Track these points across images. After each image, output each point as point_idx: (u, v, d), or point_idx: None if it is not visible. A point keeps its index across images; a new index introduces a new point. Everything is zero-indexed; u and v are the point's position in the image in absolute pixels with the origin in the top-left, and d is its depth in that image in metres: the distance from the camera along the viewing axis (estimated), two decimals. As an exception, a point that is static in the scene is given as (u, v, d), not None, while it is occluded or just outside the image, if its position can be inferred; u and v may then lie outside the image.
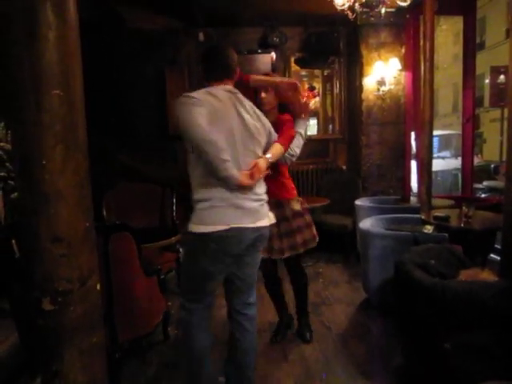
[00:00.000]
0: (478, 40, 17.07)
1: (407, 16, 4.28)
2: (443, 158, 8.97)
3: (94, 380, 1.02)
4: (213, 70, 1.78)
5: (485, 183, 7.31)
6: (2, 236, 2.21)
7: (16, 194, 2.37)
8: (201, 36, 4.66)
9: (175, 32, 4.62)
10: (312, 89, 5.24)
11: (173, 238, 3.04)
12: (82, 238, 0.96)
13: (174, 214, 3.67)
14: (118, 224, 1.87)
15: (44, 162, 0.89)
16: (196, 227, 1.64)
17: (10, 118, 0.91)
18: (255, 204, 1.68)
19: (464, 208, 2.92)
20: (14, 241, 2.26)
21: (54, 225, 0.91)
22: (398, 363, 2.20)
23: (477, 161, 9.51)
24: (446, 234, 2.61)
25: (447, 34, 16.87)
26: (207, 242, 1.62)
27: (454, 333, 1.55)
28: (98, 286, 1.03)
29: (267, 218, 1.76)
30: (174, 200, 3.78)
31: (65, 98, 0.91)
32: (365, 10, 2.48)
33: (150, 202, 3.78)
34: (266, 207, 1.77)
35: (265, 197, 1.77)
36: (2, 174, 2.24)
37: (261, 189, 1.75)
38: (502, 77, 9.04)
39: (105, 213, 3.46)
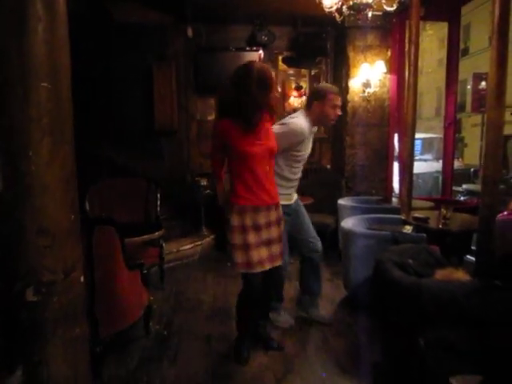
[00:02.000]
0: (462, 46, 17.46)
1: (394, 20, 4.36)
2: (425, 160, 9.15)
3: (77, 370, 1.03)
4: None
5: (464, 186, 7.49)
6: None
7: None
8: (189, 32, 4.65)
9: (164, 27, 4.60)
10: (299, 88, 5.30)
11: (156, 233, 3.04)
12: (67, 230, 0.97)
13: (158, 209, 3.67)
14: (101, 217, 1.86)
15: (30, 154, 0.89)
16: None
17: (-3, 109, 0.91)
18: None
19: (442, 210, 3.01)
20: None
21: (40, 217, 0.92)
22: (376, 359, 2.26)
23: (457, 164, 9.73)
24: (425, 235, 2.69)
25: (433, 38, 17.19)
26: None
27: (428, 329, 1.61)
28: (82, 278, 1.04)
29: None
30: (159, 195, 3.78)
31: (53, 91, 0.91)
32: (352, 12, 2.52)
33: (134, 197, 3.76)
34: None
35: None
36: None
37: None
38: (483, 83, 9.24)
39: (88, 207, 3.43)
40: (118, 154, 4.24)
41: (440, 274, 1.77)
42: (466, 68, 13.35)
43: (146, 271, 2.66)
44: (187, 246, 4.31)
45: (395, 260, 1.99)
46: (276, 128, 2.32)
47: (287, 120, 2.46)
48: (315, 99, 2.47)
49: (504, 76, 2.41)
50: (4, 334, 2.16)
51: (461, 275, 1.74)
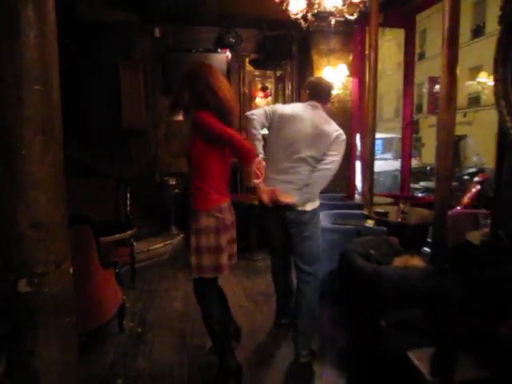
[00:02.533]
0: (418, 50, 18.33)
1: (355, 26, 4.58)
2: (385, 159, 9.58)
3: (67, 357, 1.09)
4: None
5: (421, 183, 7.95)
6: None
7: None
8: (157, 32, 4.66)
9: (131, 26, 4.58)
10: (265, 89, 5.44)
11: (128, 232, 3.06)
12: (59, 223, 1.03)
13: (128, 208, 3.68)
14: (77, 216, 1.89)
15: (23, 152, 0.95)
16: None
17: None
18: None
19: (401, 205, 3.24)
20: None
21: (33, 211, 0.98)
22: (343, 343, 2.43)
23: (415, 163, 10.26)
24: (385, 228, 2.89)
25: (392, 43, 17.92)
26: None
27: (388, 311, 1.77)
28: (71, 270, 1.10)
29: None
30: (128, 195, 3.79)
31: (44, 92, 0.97)
32: (317, 19, 2.67)
33: (103, 197, 3.75)
34: None
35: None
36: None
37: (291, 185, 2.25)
38: (437, 86, 9.81)
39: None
40: (85, 153, 4.18)
41: (398, 262, 1.95)
42: (422, 71, 14.04)
43: (117, 270, 2.68)
44: (157, 245, 4.32)
45: (359, 251, 2.16)
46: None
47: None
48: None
49: (454, 81, 2.64)
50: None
51: (416, 262, 1.92)
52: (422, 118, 17.56)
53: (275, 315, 2.78)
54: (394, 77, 19.47)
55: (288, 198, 2.13)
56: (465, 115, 15.29)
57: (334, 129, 2.26)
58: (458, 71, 2.65)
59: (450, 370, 1.37)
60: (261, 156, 2.20)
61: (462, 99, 15.85)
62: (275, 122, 2.28)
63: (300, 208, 2.21)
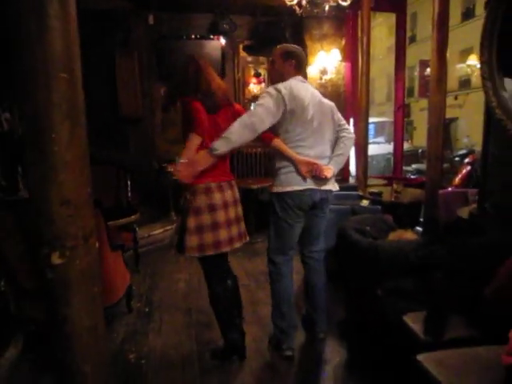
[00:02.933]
0: (409, 34, 18.32)
1: (347, 11, 4.64)
2: (378, 143, 9.71)
3: (96, 324, 1.19)
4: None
5: (413, 166, 8.11)
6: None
7: None
8: (151, 19, 4.68)
9: (125, 13, 4.58)
10: (258, 75, 5.48)
11: (132, 217, 3.16)
12: (85, 201, 1.13)
13: (129, 194, 3.76)
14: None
15: (53, 136, 1.04)
16: (277, 188, 2.09)
17: (22, 98, 1.04)
18: None
19: (394, 185, 3.37)
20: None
21: (63, 190, 1.07)
22: (341, 317, 2.57)
23: (407, 146, 10.41)
24: (379, 207, 3.02)
25: (382, 27, 17.89)
26: (285, 199, 2.06)
27: (384, 281, 1.90)
28: (97, 244, 1.20)
29: (331, 184, 2.17)
30: (129, 182, 3.87)
31: (70, 80, 1.05)
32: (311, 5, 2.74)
33: (104, 183, 3.81)
34: None
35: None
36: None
37: (324, 160, 2.12)
38: (428, 69, 9.90)
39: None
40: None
41: (392, 236, 2.07)
42: (413, 55, 14.08)
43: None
44: (158, 231, 4.43)
45: (355, 227, 2.28)
46: None
47: None
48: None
49: (444, 64, 2.75)
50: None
51: (409, 235, 2.05)
52: (414, 102, 17.67)
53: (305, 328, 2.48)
54: (386, 61, 19.46)
55: (327, 170, 2.05)
56: (456, 98, 15.42)
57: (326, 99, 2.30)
58: (448, 54, 2.75)
59: (440, 329, 1.51)
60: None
61: (452, 82, 15.97)
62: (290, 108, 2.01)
63: (331, 187, 2.16)
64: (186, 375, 2.09)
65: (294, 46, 2.21)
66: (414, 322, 1.63)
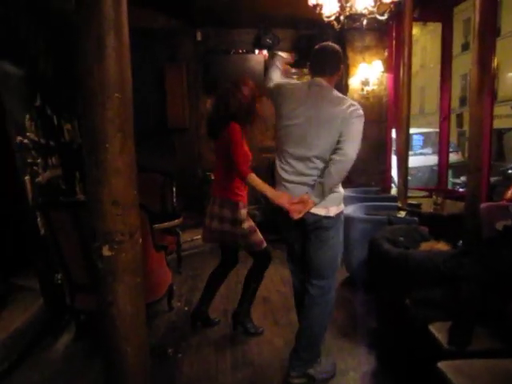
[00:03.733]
0: (463, 41, 17.64)
1: (390, 22, 4.65)
2: (425, 154, 9.44)
3: (138, 310, 1.36)
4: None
5: (462, 178, 7.78)
6: (31, 216, 2.52)
7: (40, 178, 2.67)
8: (198, 35, 4.97)
9: (174, 31, 4.91)
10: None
11: (176, 221, 3.37)
12: (132, 202, 1.30)
13: (175, 200, 4.00)
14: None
15: (107, 146, 1.22)
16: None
17: (82, 114, 1.23)
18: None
19: (434, 197, 3.32)
20: (39, 220, 2.57)
21: (113, 192, 1.24)
22: (372, 325, 2.59)
23: (457, 158, 10.01)
24: (416, 218, 3.00)
25: (434, 35, 17.38)
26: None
27: (413, 291, 1.92)
28: (140, 240, 1.36)
29: (322, 208, 1.85)
30: (174, 188, 4.11)
31: (122, 99, 1.24)
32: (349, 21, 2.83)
33: (151, 189, 4.09)
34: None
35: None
36: (29, 160, 2.53)
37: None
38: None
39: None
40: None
41: (424, 246, 2.09)
42: (467, 62, 13.56)
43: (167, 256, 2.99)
44: (200, 236, 4.61)
45: (388, 237, 2.31)
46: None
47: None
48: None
49: (485, 75, 2.71)
50: (51, 305, 2.49)
51: (441, 246, 2.05)
52: (467, 112, 16.88)
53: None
54: (437, 69, 18.85)
55: (308, 203, 1.80)
56: (512, 107, 14.59)
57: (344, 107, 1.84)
58: (495, 63, 2.70)
59: (464, 339, 1.52)
60: None
61: (509, 90, 15.14)
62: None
63: (323, 213, 1.86)
64: (218, 368, 2.23)
65: (320, 44, 2.05)
66: (439, 331, 1.65)
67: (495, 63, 3.77)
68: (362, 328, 2.61)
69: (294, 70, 5.65)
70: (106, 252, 1.27)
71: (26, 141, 2.55)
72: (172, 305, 3.00)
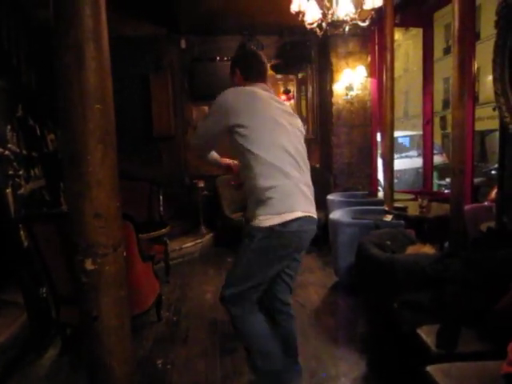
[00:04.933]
0: (445, 45, 18.02)
1: (372, 28, 4.71)
2: (410, 157, 9.56)
3: (123, 324, 1.33)
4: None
5: (447, 180, 7.89)
6: (14, 228, 2.47)
7: (23, 190, 2.62)
8: (183, 43, 4.96)
9: (158, 39, 4.90)
10: (287, 92, 5.64)
11: (163, 230, 3.34)
12: (114, 214, 1.28)
13: (161, 209, 3.97)
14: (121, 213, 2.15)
15: (88, 158, 1.20)
16: None
17: (62, 125, 1.21)
18: None
19: (419, 200, 3.36)
20: (22, 232, 2.52)
21: (95, 205, 1.22)
22: (361, 330, 2.60)
23: (441, 160, 10.16)
24: (403, 222, 3.02)
25: (416, 39, 17.70)
26: None
27: (400, 295, 1.93)
28: (124, 253, 1.34)
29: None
30: (161, 197, 4.08)
31: (103, 110, 1.22)
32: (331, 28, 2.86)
33: (138, 198, 4.05)
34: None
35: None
36: (11, 172, 2.48)
37: None
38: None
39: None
40: (119, 158, 4.51)
41: (410, 250, 2.10)
42: (450, 66, 13.80)
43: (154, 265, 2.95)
44: (188, 244, 4.60)
45: (375, 241, 2.33)
46: None
47: None
48: None
49: (464, 80, 2.76)
50: (35, 319, 2.44)
51: (427, 249, 2.07)
52: (450, 114, 17.20)
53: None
54: (420, 73, 19.18)
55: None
56: (494, 109, 14.89)
57: None
58: (475, 67, 2.75)
59: (452, 342, 1.53)
60: None
61: (491, 93, 15.47)
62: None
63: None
64: (208, 379, 2.20)
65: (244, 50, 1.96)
66: (427, 334, 1.66)
67: (475, 67, 3.87)
68: (351, 333, 2.61)
69: (279, 76, 5.71)
70: (89, 266, 1.24)
71: (6, 152, 2.50)
72: (161, 315, 2.96)
